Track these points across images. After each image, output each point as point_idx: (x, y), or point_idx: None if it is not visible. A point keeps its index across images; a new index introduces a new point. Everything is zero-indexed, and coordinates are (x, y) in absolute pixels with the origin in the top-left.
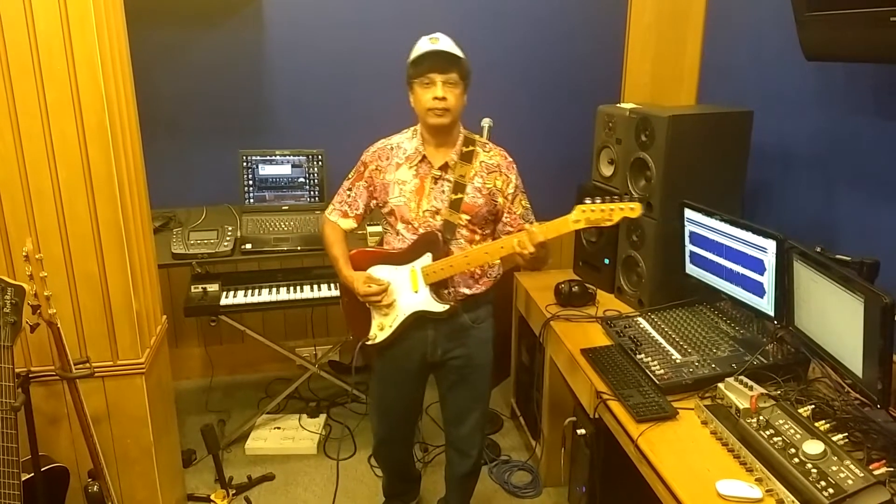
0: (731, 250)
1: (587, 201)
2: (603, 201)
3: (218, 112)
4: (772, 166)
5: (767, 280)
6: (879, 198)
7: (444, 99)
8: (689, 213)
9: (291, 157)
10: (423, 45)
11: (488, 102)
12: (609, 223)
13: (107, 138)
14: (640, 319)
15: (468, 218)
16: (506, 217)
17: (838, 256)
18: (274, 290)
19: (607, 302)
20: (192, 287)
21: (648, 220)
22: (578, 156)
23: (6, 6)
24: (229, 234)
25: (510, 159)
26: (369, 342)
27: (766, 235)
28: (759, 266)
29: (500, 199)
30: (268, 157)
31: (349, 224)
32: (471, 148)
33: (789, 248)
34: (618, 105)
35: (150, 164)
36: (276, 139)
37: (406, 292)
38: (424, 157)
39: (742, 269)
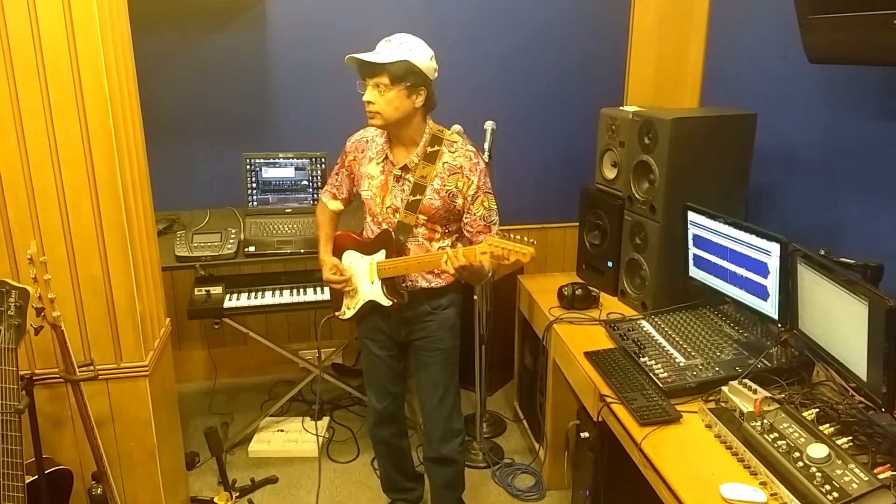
0: (735, 253)
1: (497, 236)
2: (508, 239)
3: (221, 115)
4: (775, 169)
5: (771, 283)
6: (883, 200)
7: (370, 103)
8: (692, 215)
9: (294, 160)
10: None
11: (491, 105)
12: (506, 262)
13: (111, 141)
14: (644, 322)
15: (425, 218)
16: (466, 217)
17: (842, 259)
18: (277, 292)
19: (610, 305)
20: (196, 289)
21: (652, 222)
22: (581, 159)
23: (11, 9)
24: (233, 236)
25: (476, 160)
26: (338, 317)
27: (770, 238)
28: (762, 269)
29: (460, 201)
30: (271, 160)
31: (337, 206)
32: (436, 148)
33: (793, 251)
34: (621, 108)
35: (154, 166)
36: (279, 142)
37: (365, 281)
38: (387, 155)
39: (746, 272)
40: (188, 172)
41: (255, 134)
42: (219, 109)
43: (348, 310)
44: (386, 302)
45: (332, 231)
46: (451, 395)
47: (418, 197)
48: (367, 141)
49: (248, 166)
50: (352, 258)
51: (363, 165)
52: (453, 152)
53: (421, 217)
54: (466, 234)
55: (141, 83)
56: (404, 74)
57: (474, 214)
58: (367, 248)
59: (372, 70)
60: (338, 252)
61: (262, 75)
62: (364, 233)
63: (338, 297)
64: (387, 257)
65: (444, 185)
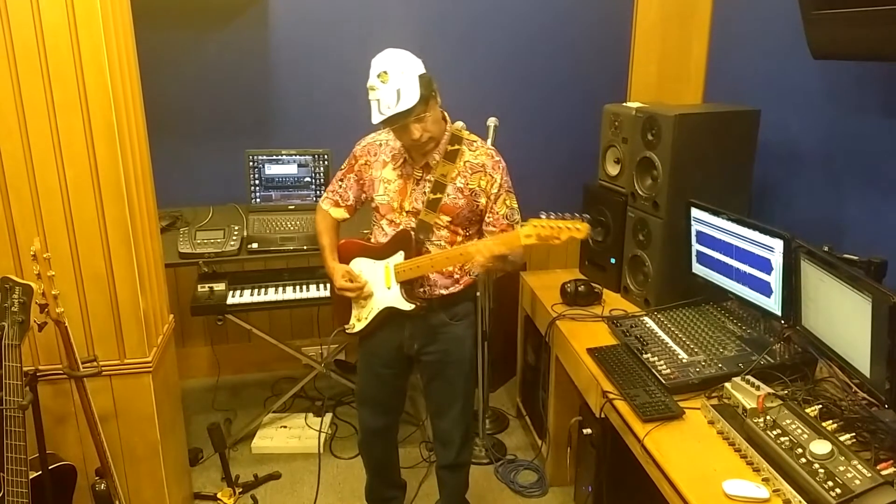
0: (738, 249)
1: (542, 216)
2: (556, 218)
3: (224, 112)
4: (779, 165)
5: (774, 279)
6: (887, 197)
7: (421, 136)
8: (695, 212)
9: (297, 157)
10: (374, 90)
11: (495, 101)
12: (557, 241)
13: (114, 138)
14: (647, 319)
15: (448, 219)
16: (488, 217)
17: (846, 256)
18: (280, 289)
19: (613, 301)
20: (199, 286)
21: (655, 219)
22: (585, 155)
23: (14, 6)
24: (236, 233)
25: (497, 158)
26: (347, 331)
27: (774, 235)
28: (766, 265)
29: (483, 199)
30: (274, 157)
31: (341, 213)
32: (456, 147)
33: (797, 248)
34: (624, 104)
35: (157, 163)
36: (282, 139)
37: (380, 287)
38: (405, 159)
39: (749, 268)
40: (191, 169)
41: (258, 131)
42: (221, 106)
43: (359, 322)
44: (407, 306)
45: (336, 239)
46: (470, 404)
47: (438, 195)
48: (379, 144)
49: (251, 163)
50: (362, 265)
51: (376, 169)
52: (474, 151)
53: (443, 217)
54: (488, 234)
55: (144, 79)
56: (427, 91)
57: (497, 213)
58: (379, 252)
59: (407, 113)
60: (343, 262)
61: (264, 72)
62: (373, 238)
63: (343, 310)
64: (406, 259)
65: (468, 184)
